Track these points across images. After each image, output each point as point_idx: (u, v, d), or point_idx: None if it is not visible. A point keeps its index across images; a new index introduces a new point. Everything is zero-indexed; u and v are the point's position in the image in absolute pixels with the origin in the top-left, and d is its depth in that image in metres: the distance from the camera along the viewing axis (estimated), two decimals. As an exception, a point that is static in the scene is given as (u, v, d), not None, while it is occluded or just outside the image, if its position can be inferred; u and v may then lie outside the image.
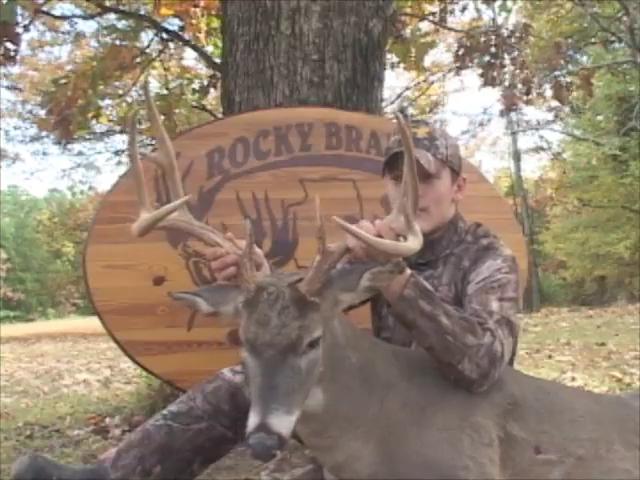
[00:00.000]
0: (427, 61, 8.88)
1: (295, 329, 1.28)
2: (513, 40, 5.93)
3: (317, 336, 1.31)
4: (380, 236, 1.43)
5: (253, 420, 1.21)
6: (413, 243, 1.39)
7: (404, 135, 1.36)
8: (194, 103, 7.39)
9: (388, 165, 1.78)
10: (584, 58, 16.13)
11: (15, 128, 14.75)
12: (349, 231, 1.29)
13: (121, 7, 5.85)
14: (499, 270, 1.64)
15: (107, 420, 3.47)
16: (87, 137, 12.33)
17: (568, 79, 7.25)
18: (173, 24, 6.29)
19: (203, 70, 7.97)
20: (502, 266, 1.65)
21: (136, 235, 1.46)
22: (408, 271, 1.47)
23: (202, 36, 6.03)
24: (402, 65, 6.52)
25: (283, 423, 1.21)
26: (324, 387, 1.39)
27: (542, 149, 21.73)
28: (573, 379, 4.37)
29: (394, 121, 1.32)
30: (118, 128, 10.85)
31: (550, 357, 5.74)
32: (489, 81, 5.89)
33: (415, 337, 1.54)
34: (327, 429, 1.45)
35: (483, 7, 6.23)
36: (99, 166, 18.82)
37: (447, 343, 1.44)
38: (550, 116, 18.80)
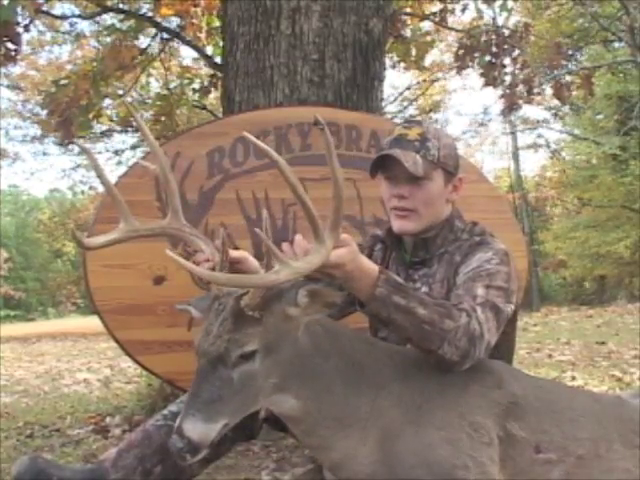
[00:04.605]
0: (427, 60, 8.88)
1: (224, 342, 1.32)
2: (514, 40, 5.92)
3: (250, 350, 1.33)
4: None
5: (176, 422, 1.28)
6: (277, 274, 1.27)
7: (328, 148, 1.27)
8: (195, 103, 7.40)
9: (381, 165, 1.78)
10: (584, 58, 16.12)
11: (16, 128, 14.78)
12: (183, 266, 1.24)
13: (121, 7, 5.85)
14: (488, 261, 1.63)
15: (107, 420, 3.48)
16: (87, 137, 12.33)
17: (568, 78, 7.25)
18: (174, 24, 6.30)
19: (203, 70, 7.97)
20: (492, 257, 1.64)
21: (87, 246, 1.53)
22: (376, 270, 1.44)
23: (202, 36, 6.03)
24: (402, 64, 6.53)
25: (196, 430, 1.26)
26: (295, 394, 1.43)
27: (540, 146, 21.75)
28: (573, 378, 4.37)
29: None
30: (118, 128, 10.86)
31: (550, 356, 5.75)
32: (490, 81, 5.88)
33: (393, 331, 1.53)
34: (315, 429, 1.47)
35: (484, 7, 6.20)
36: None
37: (425, 332, 1.43)
38: (549, 115, 18.85)
